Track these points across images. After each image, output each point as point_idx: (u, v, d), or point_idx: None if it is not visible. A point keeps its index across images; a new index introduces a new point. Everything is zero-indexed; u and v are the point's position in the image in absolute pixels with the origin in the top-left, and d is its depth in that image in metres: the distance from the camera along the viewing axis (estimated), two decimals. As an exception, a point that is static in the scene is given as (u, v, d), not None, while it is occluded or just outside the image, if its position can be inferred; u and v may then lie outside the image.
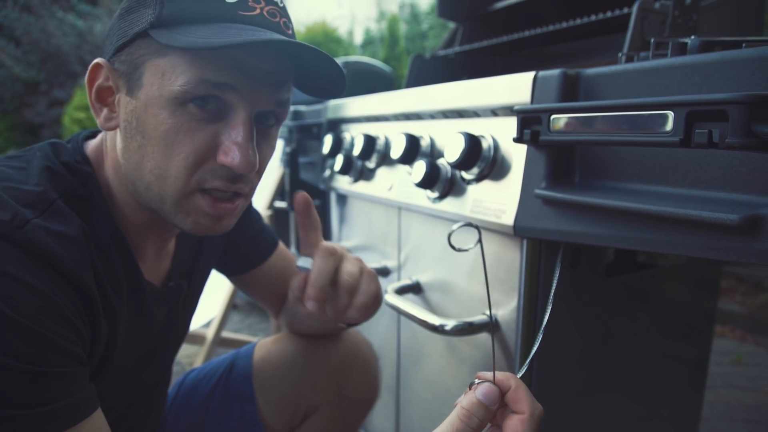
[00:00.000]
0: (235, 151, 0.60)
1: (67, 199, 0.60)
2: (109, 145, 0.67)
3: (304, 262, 0.71)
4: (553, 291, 0.77)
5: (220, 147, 0.60)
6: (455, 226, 0.53)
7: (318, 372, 0.95)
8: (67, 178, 0.63)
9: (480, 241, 0.52)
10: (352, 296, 0.72)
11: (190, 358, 2.29)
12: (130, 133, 0.62)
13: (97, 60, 0.64)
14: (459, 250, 0.53)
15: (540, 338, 0.80)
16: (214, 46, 0.54)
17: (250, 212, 0.97)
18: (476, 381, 0.54)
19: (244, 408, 0.94)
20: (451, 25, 1.80)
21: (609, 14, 1.07)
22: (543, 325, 0.77)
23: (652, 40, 0.73)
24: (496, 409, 0.53)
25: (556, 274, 0.77)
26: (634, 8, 0.90)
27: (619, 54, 0.82)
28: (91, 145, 0.69)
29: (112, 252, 0.64)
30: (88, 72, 0.64)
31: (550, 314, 0.76)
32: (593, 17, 1.11)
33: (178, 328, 0.84)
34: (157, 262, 0.76)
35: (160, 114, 0.59)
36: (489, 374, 0.54)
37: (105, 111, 0.64)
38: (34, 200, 0.56)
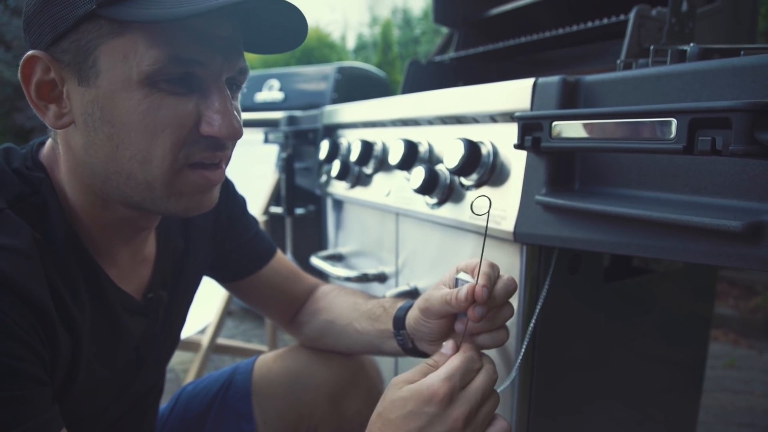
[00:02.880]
0: (219, 120, 0.59)
1: (17, 208, 0.58)
2: (62, 147, 0.63)
3: (463, 276, 0.70)
4: (543, 295, 0.77)
5: (203, 118, 0.59)
6: (475, 198, 0.78)
7: (319, 393, 0.93)
8: (17, 185, 0.60)
9: (488, 211, 0.68)
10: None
11: (184, 364, 2.28)
12: (93, 126, 0.58)
13: (33, 53, 0.57)
14: (477, 214, 0.74)
15: (526, 343, 0.79)
16: (186, 15, 0.51)
17: (245, 217, 0.94)
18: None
19: (242, 427, 0.92)
20: (444, 30, 1.81)
21: (605, 21, 1.08)
22: (529, 329, 0.77)
23: (652, 47, 0.74)
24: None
25: (548, 279, 0.77)
26: (632, 15, 0.91)
27: (618, 61, 0.83)
28: (44, 150, 0.66)
29: (70, 260, 0.61)
30: (21, 68, 0.57)
31: (537, 320, 0.76)
32: (589, 24, 1.12)
33: (165, 340, 0.82)
34: (134, 269, 0.73)
35: (132, 97, 0.56)
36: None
37: (53, 108, 0.59)
38: None
